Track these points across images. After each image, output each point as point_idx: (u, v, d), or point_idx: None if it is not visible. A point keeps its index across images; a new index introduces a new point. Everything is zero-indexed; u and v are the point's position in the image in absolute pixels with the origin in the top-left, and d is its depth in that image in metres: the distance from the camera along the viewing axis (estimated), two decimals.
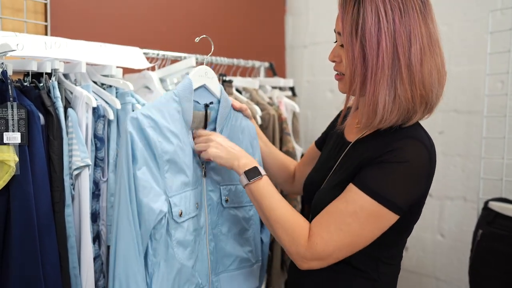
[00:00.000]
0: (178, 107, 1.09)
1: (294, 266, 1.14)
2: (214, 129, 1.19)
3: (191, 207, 1.10)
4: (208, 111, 1.18)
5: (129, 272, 1.00)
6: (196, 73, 1.16)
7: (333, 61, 1.04)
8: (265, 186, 1.04)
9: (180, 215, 1.06)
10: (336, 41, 1.05)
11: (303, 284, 1.09)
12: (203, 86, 1.18)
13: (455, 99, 2.02)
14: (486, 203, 1.62)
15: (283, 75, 2.56)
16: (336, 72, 1.05)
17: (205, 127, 1.18)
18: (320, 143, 1.28)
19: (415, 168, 0.93)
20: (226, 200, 1.21)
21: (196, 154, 1.15)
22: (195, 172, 1.14)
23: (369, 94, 0.93)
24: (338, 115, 1.26)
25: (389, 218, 0.93)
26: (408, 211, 0.95)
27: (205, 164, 1.17)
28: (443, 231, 2.11)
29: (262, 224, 1.33)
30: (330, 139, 1.20)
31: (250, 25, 2.37)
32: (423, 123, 1.04)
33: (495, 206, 1.58)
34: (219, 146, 1.09)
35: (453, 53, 1.99)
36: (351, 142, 1.06)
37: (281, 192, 1.54)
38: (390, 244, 1.01)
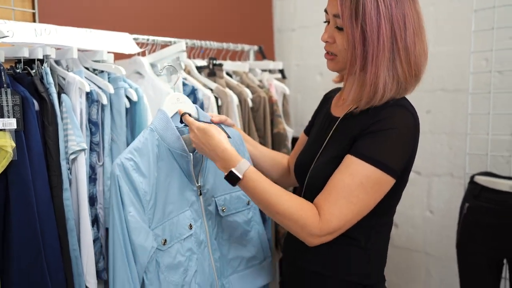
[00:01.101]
0: (157, 140, 1.14)
1: (290, 244, 1.18)
2: None
3: (179, 231, 1.17)
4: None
5: None
6: (168, 101, 1.20)
7: (326, 42, 1.06)
8: (250, 185, 1.03)
9: (164, 243, 1.13)
10: (326, 21, 1.07)
11: (301, 259, 1.12)
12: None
13: (441, 78, 2.05)
14: (472, 177, 1.67)
15: (272, 59, 2.57)
16: (325, 52, 1.08)
17: None
18: (308, 130, 1.32)
19: (404, 133, 0.99)
20: (223, 210, 1.26)
21: (189, 176, 1.19)
22: (186, 194, 1.19)
23: (370, 75, 0.98)
24: (322, 102, 1.30)
25: (389, 183, 0.98)
26: (399, 176, 1.00)
27: (200, 183, 1.22)
28: (432, 208, 2.16)
29: (263, 221, 1.38)
30: (317, 122, 1.24)
31: (238, 9, 2.38)
32: (410, 101, 1.08)
33: (481, 180, 1.62)
34: (199, 144, 1.11)
35: (440, 32, 2.01)
36: (339, 118, 1.10)
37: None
38: (382, 213, 1.06)
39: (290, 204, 0.99)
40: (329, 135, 1.10)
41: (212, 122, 1.23)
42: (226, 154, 1.06)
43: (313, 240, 0.99)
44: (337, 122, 1.10)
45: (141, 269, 1.09)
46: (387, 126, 0.97)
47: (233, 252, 1.30)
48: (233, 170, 1.03)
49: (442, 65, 2.02)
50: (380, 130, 0.97)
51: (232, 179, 1.04)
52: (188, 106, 1.23)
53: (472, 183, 1.66)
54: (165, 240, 1.13)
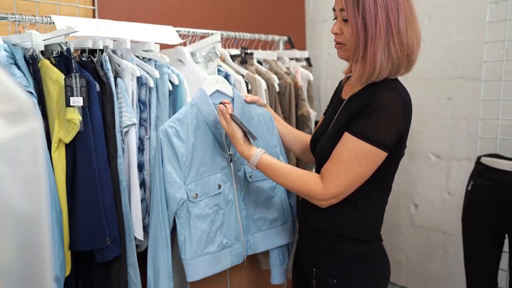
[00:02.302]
0: (196, 113, 1.36)
1: (302, 207, 1.39)
2: None
3: (209, 189, 1.39)
4: None
5: (158, 244, 1.35)
6: (208, 82, 1.41)
7: (336, 33, 1.26)
8: (263, 171, 1.28)
9: (195, 197, 1.37)
10: (334, 18, 1.26)
11: (311, 219, 1.34)
12: (217, 91, 1.42)
13: (461, 66, 2.15)
14: (479, 158, 1.78)
15: (303, 48, 2.74)
16: (335, 43, 1.27)
17: None
18: (326, 112, 1.51)
19: (393, 113, 1.16)
20: (250, 176, 1.47)
21: (222, 145, 1.40)
22: (218, 160, 1.41)
23: (370, 56, 1.16)
24: (337, 88, 1.49)
25: (380, 155, 1.17)
26: (393, 149, 1.18)
27: (231, 152, 1.43)
28: (450, 190, 2.28)
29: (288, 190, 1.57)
30: (332, 105, 1.43)
31: (272, 2, 2.55)
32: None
33: (486, 160, 1.74)
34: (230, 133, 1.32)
35: (461, 22, 2.11)
36: (345, 100, 1.29)
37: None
38: (379, 181, 1.24)
39: (295, 183, 1.23)
40: (336, 114, 1.30)
41: (246, 101, 1.44)
42: (242, 154, 1.30)
43: (321, 203, 1.22)
44: (342, 104, 1.29)
45: (171, 213, 1.35)
46: (378, 108, 1.15)
47: (258, 213, 1.50)
48: (248, 165, 1.31)
49: (462, 54, 2.12)
50: (372, 111, 1.15)
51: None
52: (225, 86, 1.43)
53: (478, 163, 1.77)
54: (197, 194, 1.37)
